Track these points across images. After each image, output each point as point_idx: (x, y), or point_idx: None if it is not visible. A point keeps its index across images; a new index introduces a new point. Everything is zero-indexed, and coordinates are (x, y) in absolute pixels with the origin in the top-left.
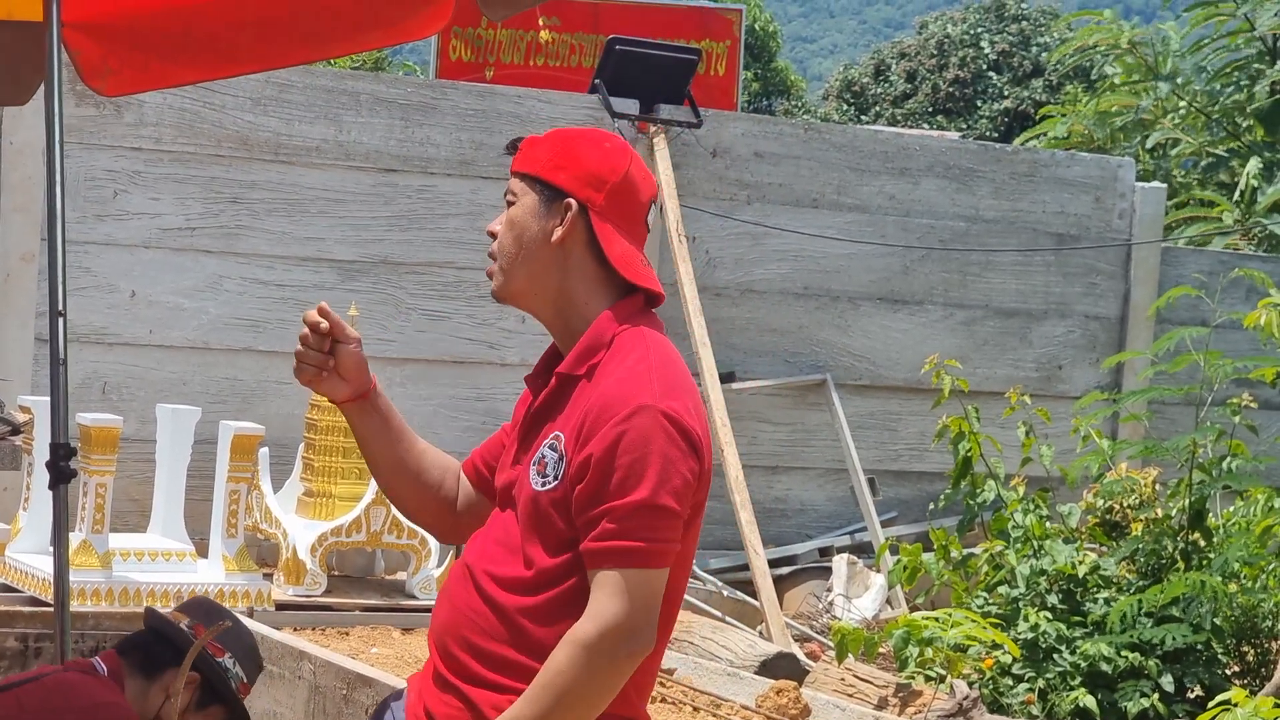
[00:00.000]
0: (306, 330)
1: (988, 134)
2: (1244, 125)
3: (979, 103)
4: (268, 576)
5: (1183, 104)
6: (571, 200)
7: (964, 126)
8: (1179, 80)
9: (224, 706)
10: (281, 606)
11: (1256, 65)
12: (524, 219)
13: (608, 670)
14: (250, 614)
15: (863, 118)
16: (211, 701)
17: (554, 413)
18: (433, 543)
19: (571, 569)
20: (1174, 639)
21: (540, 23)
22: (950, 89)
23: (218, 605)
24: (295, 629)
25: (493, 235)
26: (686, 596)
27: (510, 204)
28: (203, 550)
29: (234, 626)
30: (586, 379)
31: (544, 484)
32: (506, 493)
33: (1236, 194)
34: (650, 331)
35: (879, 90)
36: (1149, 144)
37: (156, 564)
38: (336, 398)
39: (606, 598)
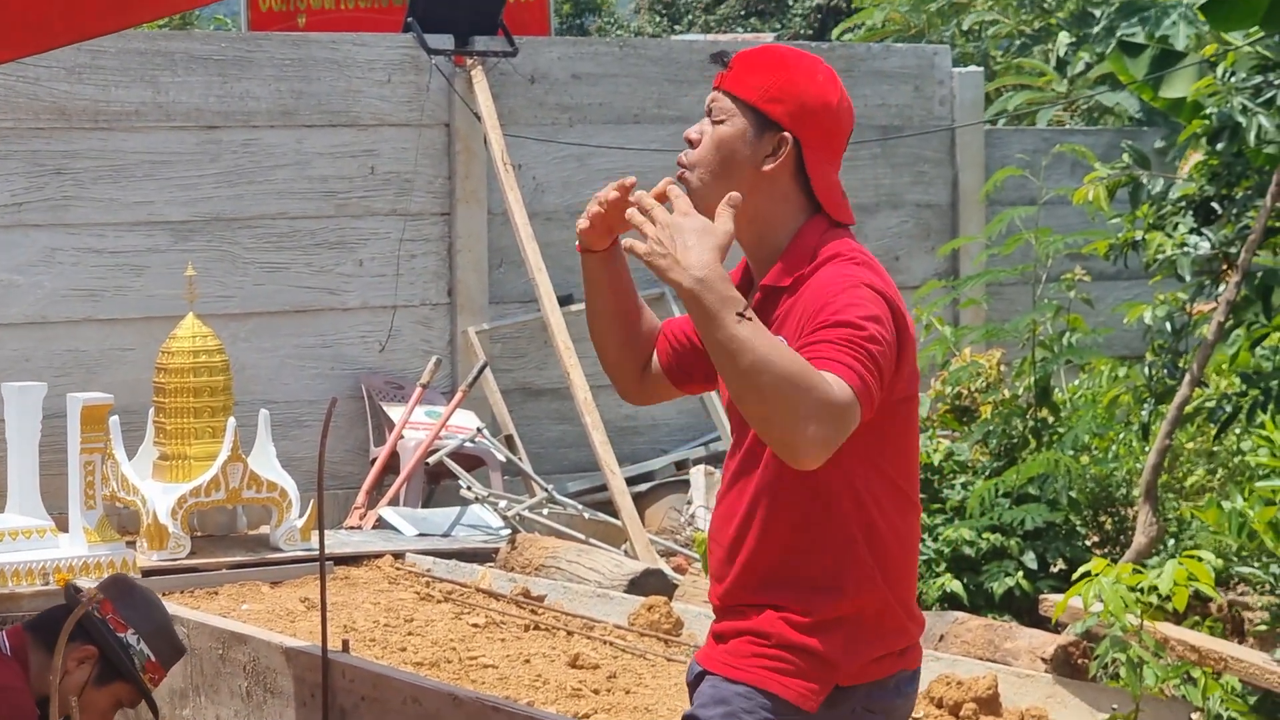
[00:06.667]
0: (614, 193)
1: (802, 32)
2: (1054, 3)
3: (790, 1)
4: (131, 544)
5: None
6: (787, 135)
7: (778, 27)
8: None
9: (126, 683)
10: (147, 573)
11: None
12: (733, 142)
13: (802, 412)
14: None
15: (676, 28)
16: (112, 678)
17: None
18: (293, 493)
19: None
20: (1032, 519)
21: None
22: None
23: (130, 580)
24: (164, 594)
25: (690, 142)
26: (548, 521)
27: (718, 121)
28: (63, 525)
29: (142, 602)
30: (790, 293)
31: None
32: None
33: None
34: (847, 237)
35: None
36: (964, 26)
37: (17, 543)
38: (598, 247)
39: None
